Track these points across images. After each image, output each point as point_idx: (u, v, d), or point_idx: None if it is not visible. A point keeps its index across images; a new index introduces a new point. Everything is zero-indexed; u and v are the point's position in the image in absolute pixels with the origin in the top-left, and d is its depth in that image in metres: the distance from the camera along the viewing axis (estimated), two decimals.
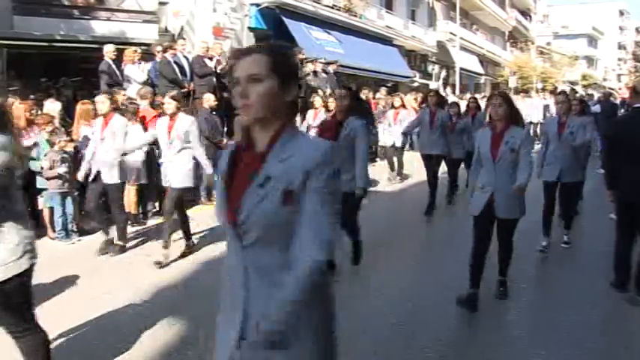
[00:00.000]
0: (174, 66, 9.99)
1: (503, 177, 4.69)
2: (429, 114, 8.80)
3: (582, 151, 6.67)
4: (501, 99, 4.75)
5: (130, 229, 7.30)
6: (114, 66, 9.47)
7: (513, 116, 4.73)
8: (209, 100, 9.06)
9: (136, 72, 9.52)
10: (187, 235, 6.43)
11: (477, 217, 4.79)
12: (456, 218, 8.62)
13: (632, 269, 5.07)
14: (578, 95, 20.04)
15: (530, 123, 19.46)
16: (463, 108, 10.70)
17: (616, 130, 5.41)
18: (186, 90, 10.06)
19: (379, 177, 11.69)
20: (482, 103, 18.84)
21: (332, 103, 9.81)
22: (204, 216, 8.01)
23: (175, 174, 6.02)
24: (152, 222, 7.91)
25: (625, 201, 5.06)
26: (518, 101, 21.29)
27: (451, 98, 15.50)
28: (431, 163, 8.86)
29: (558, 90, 28.53)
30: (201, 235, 7.09)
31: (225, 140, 9.27)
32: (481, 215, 4.74)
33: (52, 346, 4.03)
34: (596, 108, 14.92)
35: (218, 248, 6.54)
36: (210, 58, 10.85)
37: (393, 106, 12.46)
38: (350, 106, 5.30)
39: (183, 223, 6.36)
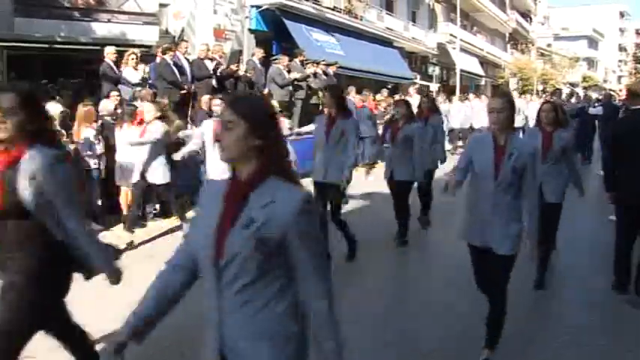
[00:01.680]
0: (174, 68, 9.99)
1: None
2: (326, 121, 5.85)
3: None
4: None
5: None
6: (115, 68, 9.47)
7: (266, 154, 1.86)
8: (207, 102, 9.07)
9: (133, 74, 9.52)
10: None
11: None
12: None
13: (633, 271, 5.08)
14: (555, 98, 19.16)
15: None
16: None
17: (615, 131, 5.41)
18: (185, 91, 10.08)
19: None
20: (450, 104, 17.89)
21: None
22: None
23: None
24: (152, 223, 7.91)
25: (625, 203, 5.06)
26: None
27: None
28: (324, 195, 5.90)
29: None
30: None
31: None
32: None
33: (53, 346, 4.04)
34: (598, 110, 14.94)
35: None
36: (211, 60, 10.87)
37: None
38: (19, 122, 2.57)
39: None
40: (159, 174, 6.95)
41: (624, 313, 4.82)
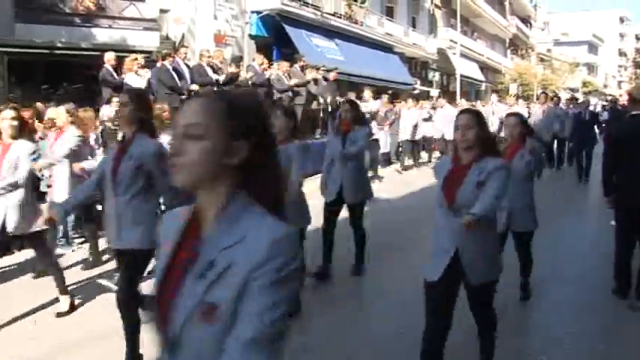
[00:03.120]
0: (173, 73, 9.99)
1: None
2: (115, 152, 3.78)
3: None
4: None
5: None
6: (114, 73, 9.49)
7: None
8: None
9: (135, 80, 9.53)
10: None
11: None
12: None
13: (633, 275, 5.07)
14: (513, 106, 15.51)
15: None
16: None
17: (616, 135, 5.41)
18: (185, 97, 10.08)
19: None
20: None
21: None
22: None
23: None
24: None
25: (625, 205, 5.06)
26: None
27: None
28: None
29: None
30: None
31: None
32: None
33: (59, 348, 4.04)
34: (605, 115, 15.02)
35: None
36: (211, 66, 10.87)
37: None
38: None
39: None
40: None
41: (624, 317, 4.81)
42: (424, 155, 15.96)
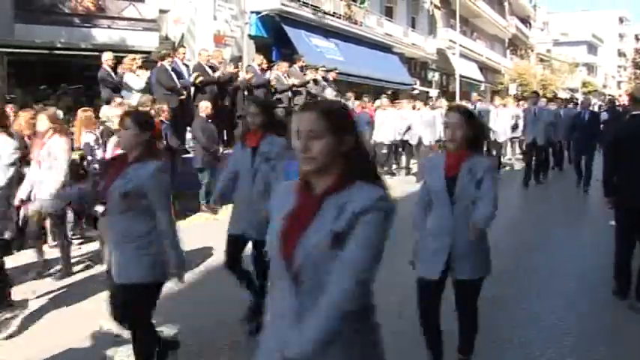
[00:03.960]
0: (172, 74, 9.99)
1: None
2: None
3: None
4: None
5: None
6: (112, 73, 9.49)
7: None
8: (206, 108, 9.04)
9: (135, 80, 9.53)
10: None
11: None
12: None
13: (633, 275, 5.07)
14: (499, 107, 14.09)
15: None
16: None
17: (616, 135, 5.41)
18: (183, 97, 10.07)
19: None
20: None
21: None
22: (204, 225, 7.99)
23: None
24: None
25: (625, 205, 5.06)
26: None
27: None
28: None
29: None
30: (204, 244, 7.07)
31: (221, 149, 9.24)
32: None
33: (56, 353, 4.03)
34: (604, 115, 14.96)
35: (217, 259, 6.54)
36: (211, 66, 10.86)
37: None
38: None
39: None
40: None
41: (625, 318, 4.80)
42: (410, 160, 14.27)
